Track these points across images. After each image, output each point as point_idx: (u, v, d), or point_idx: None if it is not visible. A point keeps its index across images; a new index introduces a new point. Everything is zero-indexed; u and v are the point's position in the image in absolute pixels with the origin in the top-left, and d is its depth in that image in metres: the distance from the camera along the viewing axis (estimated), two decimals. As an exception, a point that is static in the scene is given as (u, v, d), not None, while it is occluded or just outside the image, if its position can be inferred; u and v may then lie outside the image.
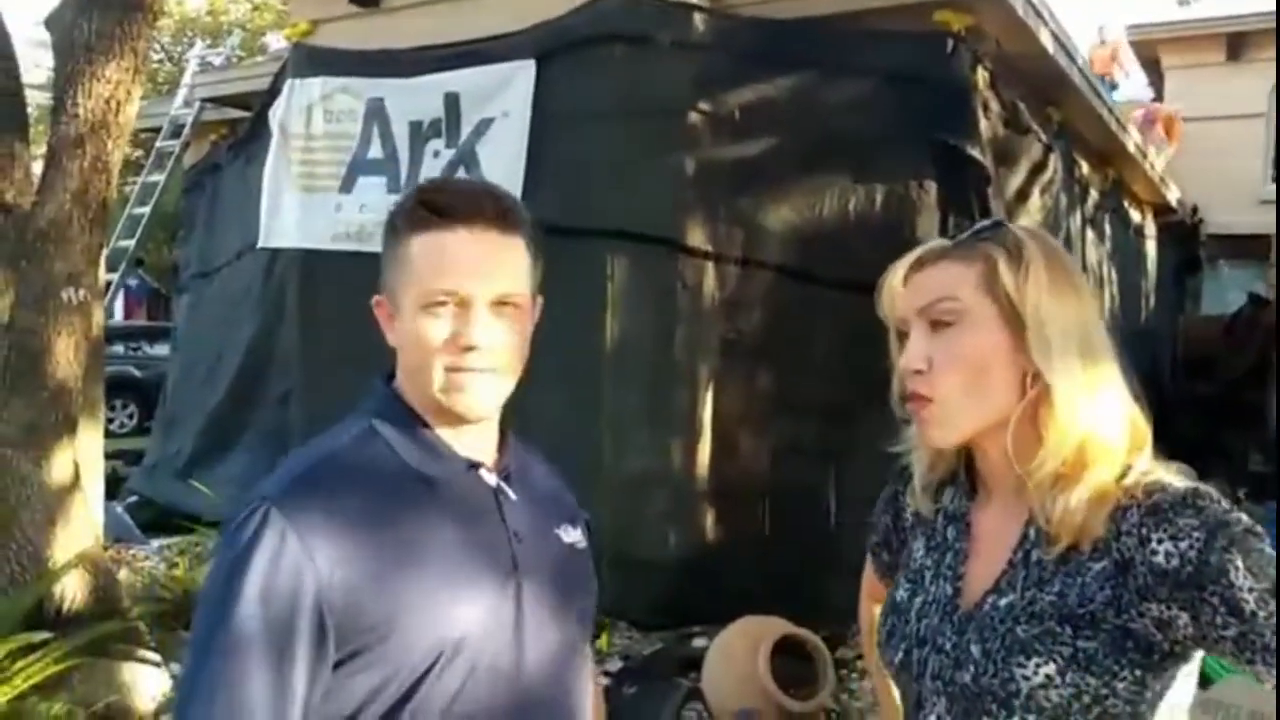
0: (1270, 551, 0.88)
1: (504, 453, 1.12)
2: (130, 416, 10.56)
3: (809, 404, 4.18)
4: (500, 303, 1.02)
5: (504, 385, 1.05)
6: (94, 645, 3.06)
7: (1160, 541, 0.91)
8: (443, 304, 1.00)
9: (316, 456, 1.02)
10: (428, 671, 0.96)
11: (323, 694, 0.93)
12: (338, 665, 0.94)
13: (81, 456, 3.52)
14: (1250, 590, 0.87)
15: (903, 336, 1.04)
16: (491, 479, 1.08)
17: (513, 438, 1.15)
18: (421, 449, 1.04)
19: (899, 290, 1.04)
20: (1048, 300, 0.97)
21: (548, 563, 1.09)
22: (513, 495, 1.08)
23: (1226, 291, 10.72)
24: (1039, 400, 0.97)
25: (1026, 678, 0.93)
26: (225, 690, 0.89)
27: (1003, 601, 0.98)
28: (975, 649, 0.98)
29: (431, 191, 1.05)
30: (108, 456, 4.19)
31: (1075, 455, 0.95)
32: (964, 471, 1.10)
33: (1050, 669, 0.93)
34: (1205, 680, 2.67)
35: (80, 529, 3.38)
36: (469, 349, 1.00)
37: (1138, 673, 0.92)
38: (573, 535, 1.15)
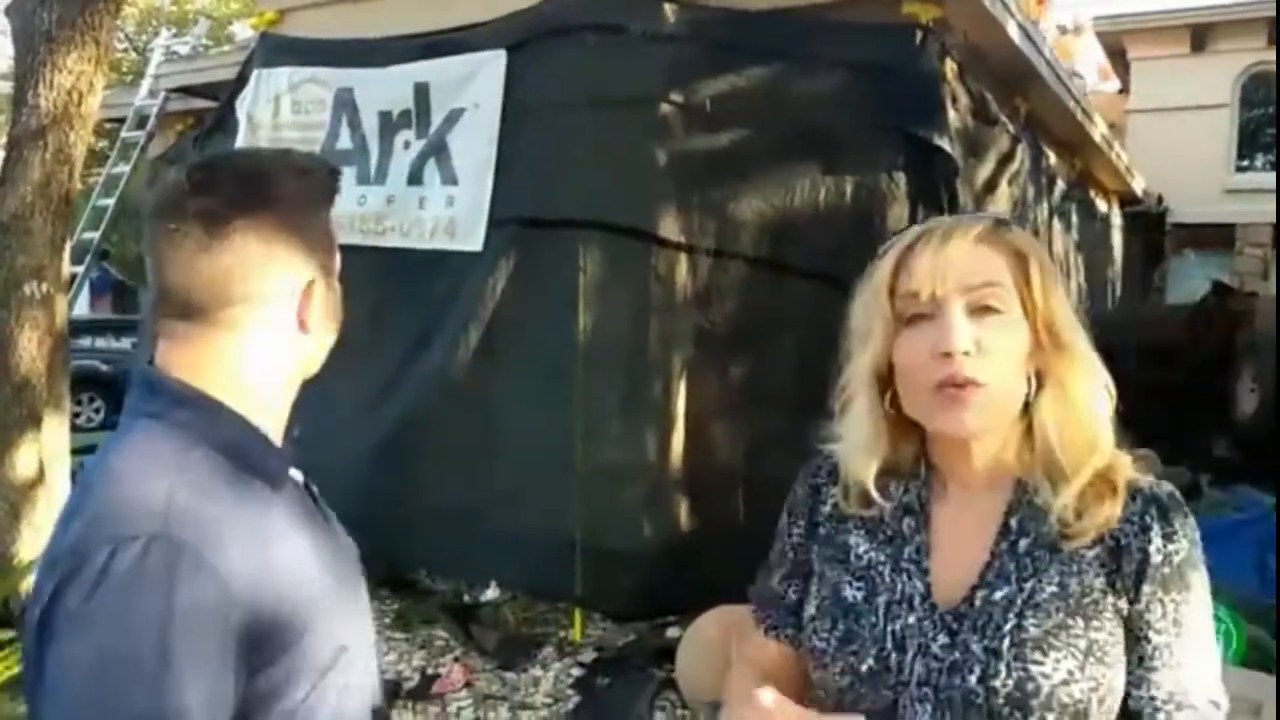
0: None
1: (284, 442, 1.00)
2: (96, 411, 10.40)
3: (782, 394, 4.20)
4: None
5: None
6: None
7: (1157, 534, 0.93)
8: None
9: (168, 479, 0.85)
10: (313, 688, 0.89)
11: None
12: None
13: (46, 452, 3.48)
14: (1195, 611, 0.93)
15: (915, 319, 0.97)
16: (299, 475, 0.99)
17: None
18: (256, 444, 0.92)
19: (928, 266, 0.96)
20: (1055, 300, 0.98)
21: (353, 561, 1.03)
22: (315, 489, 1.01)
23: (1192, 280, 10.88)
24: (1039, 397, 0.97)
25: (1047, 675, 0.89)
26: None
27: (997, 595, 0.94)
28: (977, 648, 0.92)
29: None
30: (73, 452, 4.14)
31: (1083, 451, 0.95)
32: (923, 464, 1.04)
33: (1071, 664, 0.90)
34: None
35: (45, 526, 3.34)
36: None
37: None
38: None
